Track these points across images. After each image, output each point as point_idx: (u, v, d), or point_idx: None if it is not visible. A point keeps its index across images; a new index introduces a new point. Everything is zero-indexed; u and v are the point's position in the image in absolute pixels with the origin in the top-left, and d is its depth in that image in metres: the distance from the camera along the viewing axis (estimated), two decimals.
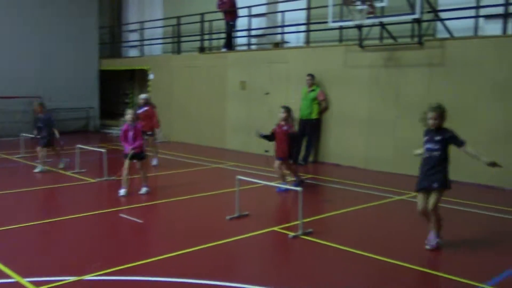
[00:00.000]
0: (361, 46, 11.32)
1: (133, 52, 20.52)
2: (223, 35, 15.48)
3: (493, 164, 5.78)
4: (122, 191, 8.55)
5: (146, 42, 19.46)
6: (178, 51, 17.16)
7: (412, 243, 6.23)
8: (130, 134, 8.59)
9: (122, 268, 5.24)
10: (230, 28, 14.97)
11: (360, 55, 11.47)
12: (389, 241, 6.40)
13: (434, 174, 5.84)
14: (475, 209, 7.97)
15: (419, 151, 6.13)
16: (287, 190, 8.61)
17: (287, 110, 9.02)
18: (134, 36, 20.40)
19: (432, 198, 5.86)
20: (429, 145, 5.92)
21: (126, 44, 20.91)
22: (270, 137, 9.13)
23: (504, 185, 9.36)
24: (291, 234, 6.40)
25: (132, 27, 20.20)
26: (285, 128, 8.93)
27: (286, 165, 9.16)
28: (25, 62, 17.13)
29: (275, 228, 6.74)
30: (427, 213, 5.96)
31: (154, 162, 11.47)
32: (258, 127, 9.91)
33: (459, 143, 5.81)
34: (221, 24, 15.42)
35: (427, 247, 5.99)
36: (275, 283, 5.03)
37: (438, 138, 5.85)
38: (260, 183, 8.12)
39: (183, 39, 17.06)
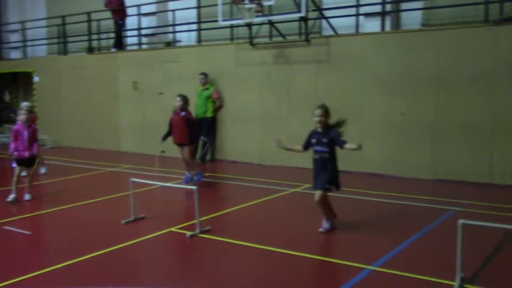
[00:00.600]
0: (251, 44, 11.54)
1: (15, 54, 19.28)
2: (112, 35, 15.03)
3: (360, 147, 6.00)
4: (11, 197, 8.19)
5: (29, 43, 18.35)
6: (65, 52, 16.36)
7: (308, 233, 6.48)
8: (25, 134, 8.23)
9: (9, 283, 4.91)
10: (119, 28, 14.56)
11: (251, 53, 11.68)
12: (286, 233, 6.58)
13: (326, 175, 6.24)
14: (366, 196, 8.44)
15: (289, 146, 6.69)
16: (192, 179, 8.63)
17: (184, 98, 9.01)
18: (15, 37, 19.15)
19: (319, 192, 6.27)
20: (318, 147, 6.32)
21: (7, 45, 19.57)
22: (167, 134, 9.11)
23: (393, 173, 10.00)
24: (188, 233, 6.38)
25: (12, 27, 18.96)
26: (182, 114, 8.90)
27: (189, 152, 9.13)
28: None
29: (172, 229, 6.68)
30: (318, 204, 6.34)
31: (42, 170, 10.85)
32: (152, 128, 9.77)
33: (340, 143, 6.16)
34: (109, 24, 14.94)
35: (321, 230, 6.41)
36: (172, 283, 5.00)
37: (325, 140, 6.23)
38: (156, 185, 7.99)
39: (69, 39, 16.30)
